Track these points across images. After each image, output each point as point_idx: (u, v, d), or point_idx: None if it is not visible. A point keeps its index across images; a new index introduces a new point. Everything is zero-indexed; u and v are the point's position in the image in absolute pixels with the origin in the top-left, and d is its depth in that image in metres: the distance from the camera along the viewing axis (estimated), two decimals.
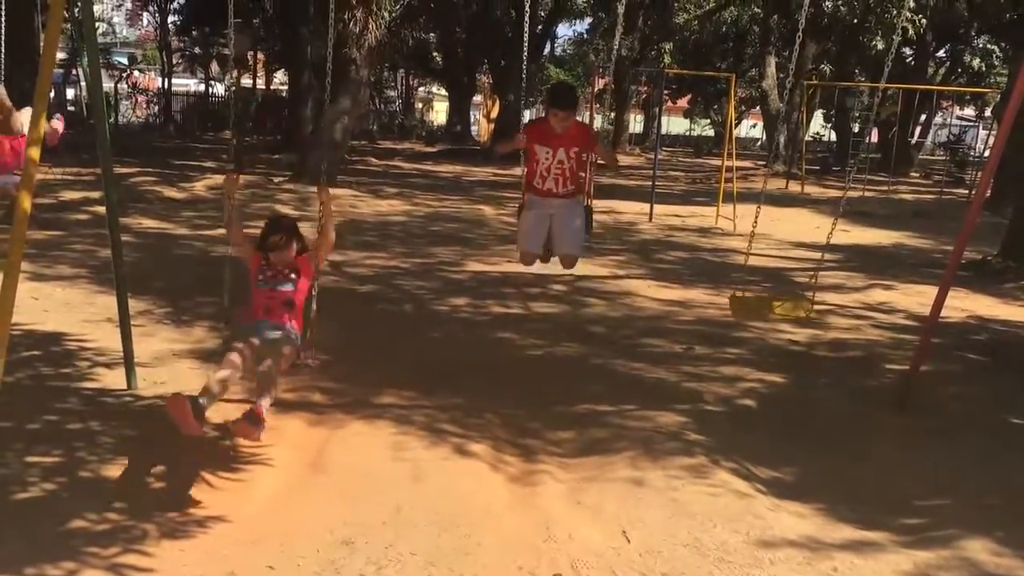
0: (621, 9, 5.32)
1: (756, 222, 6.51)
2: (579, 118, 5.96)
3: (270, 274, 4.76)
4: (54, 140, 7.79)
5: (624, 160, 32.09)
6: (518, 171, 6.00)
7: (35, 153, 3.77)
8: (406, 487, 4.33)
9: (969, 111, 41.86)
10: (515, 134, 5.68)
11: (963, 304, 9.07)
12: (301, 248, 4.85)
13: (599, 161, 6.04)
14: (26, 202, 3.70)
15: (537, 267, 6.02)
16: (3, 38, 8.59)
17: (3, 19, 8.24)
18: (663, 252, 12.14)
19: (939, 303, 5.82)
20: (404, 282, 9.27)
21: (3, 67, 9.29)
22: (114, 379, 5.50)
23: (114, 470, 4.30)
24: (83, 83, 19.58)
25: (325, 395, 5.62)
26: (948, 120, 39.54)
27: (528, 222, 5.68)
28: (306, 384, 5.80)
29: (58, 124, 8.11)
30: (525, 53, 5.21)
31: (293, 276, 4.78)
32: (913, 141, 32.21)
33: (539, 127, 5.56)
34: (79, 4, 4.83)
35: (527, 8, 5.56)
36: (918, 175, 29.67)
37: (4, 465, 4.24)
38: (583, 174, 5.65)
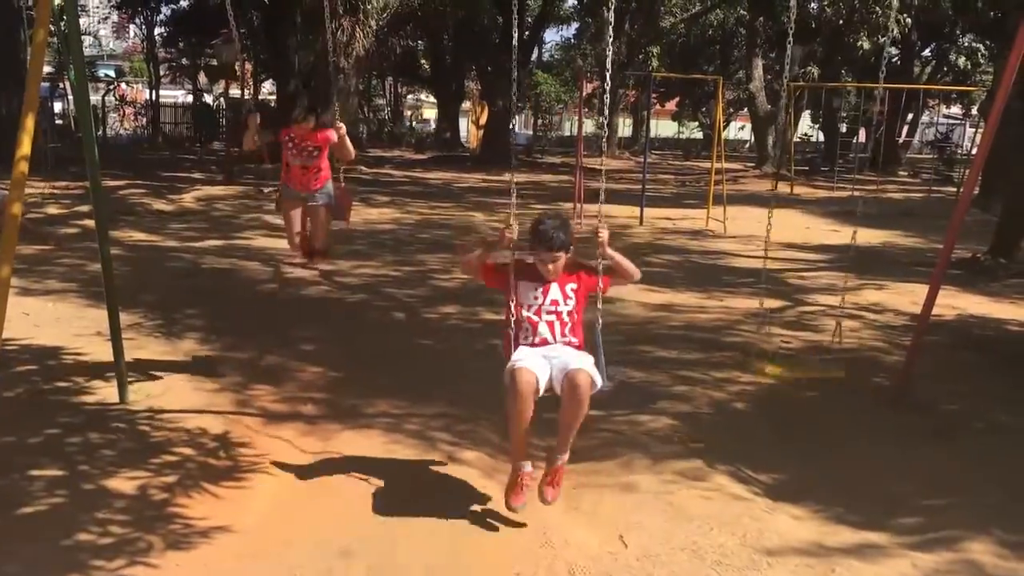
0: (611, 16, 4.99)
1: (770, 228, 6.34)
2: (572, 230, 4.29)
3: (295, 151, 5.98)
4: None
5: (613, 164, 32.15)
6: (508, 176, 5.43)
7: (23, 167, 3.76)
8: (401, 496, 4.31)
9: (956, 109, 42.07)
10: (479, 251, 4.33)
11: (954, 302, 9.09)
12: (319, 124, 6.02)
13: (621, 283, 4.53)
14: (16, 209, 3.68)
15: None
16: None
17: None
18: (654, 255, 12.15)
19: (930, 302, 5.83)
20: (394, 290, 9.25)
21: None
22: (108, 393, 5.48)
23: (115, 483, 4.29)
24: (70, 96, 19.55)
25: (317, 405, 5.61)
26: (935, 119, 39.76)
27: (522, 352, 4.05)
28: (297, 395, 5.78)
29: None
30: (515, 58, 5.03)
31: (315, 152, 6.03)
32: (901, 140, 32.34)
33: (523, 266, 4.20)
34: (64, 17, 4.82)
35: (515, 15, 5.51)
36: (906, 174, 29.79)
37: (7, 479, 4.21)
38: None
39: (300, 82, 23.52)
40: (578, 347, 4.14)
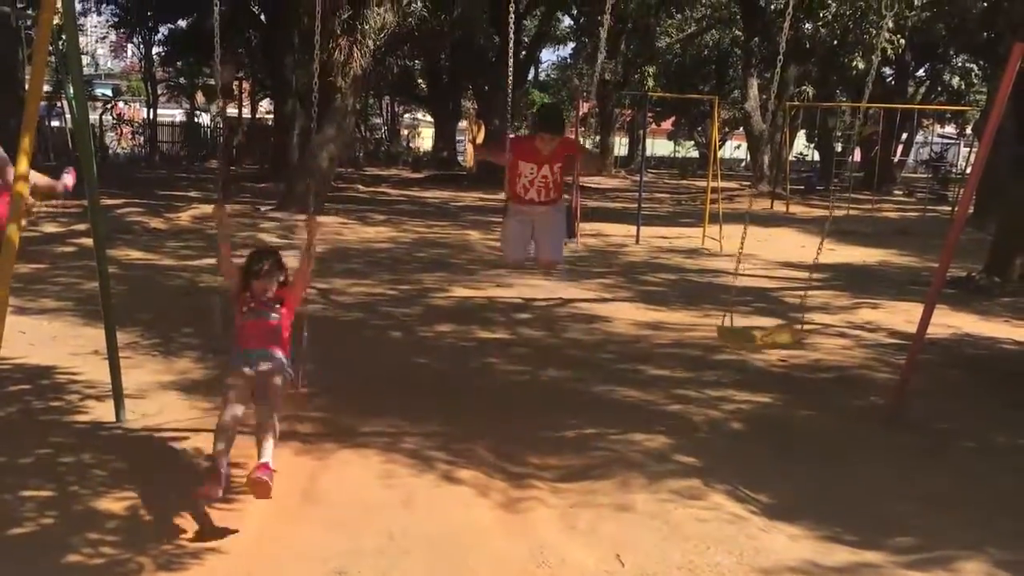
0: (603, 34, 5.35)
1: (744, 241, 6.48)
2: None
3: (253, 305, 4.70)
4: (68, 188, 7.55)
5: (610, 183, 32.27)
6: (504, 195, 6.03)
7: (23, 188, 3.77)
8: (397, 515, 4.30)
9: (950, 129, 42.29)
10: (500, 151, 5.87)
11: (949, 321, 9.11)
12: (284, 280, 4.82)
13: (588, 170, 6.44)
14: (14, 236, 3.69)
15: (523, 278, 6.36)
16: None
17: None
18: (650, 274, 12.17)
19: (925, 321, 5.85)
20: (390, 309, 9.26)
21: None
22: (103, 412, 5.47)
23: (107, 503, 4.27)
24: (68, 115, 19.59)
25: (312, 424, 5.59)
26: (929, 138, 39.96)
27: (510, 229, 6.02)
28: (293, 413, 5.76)
29: (69, 179, 7.84)
30: (510, 78, 5.26)
31: (277, 306, 4.74)
32: (895, 159, 32.49)
33: (525, 144, 5.84)
34: (63, 37, 4.84)
35: (511, 35, 5.62)
36: (901, 193, 29.91)
37: None
38: (568, 178, 6.04)
39: (297, 101, 23.62)
40: (556, 200, 5.90)
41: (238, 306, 4.72)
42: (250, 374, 4.46)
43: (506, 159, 5.78)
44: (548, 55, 59.03)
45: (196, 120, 36.02)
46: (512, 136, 5.94)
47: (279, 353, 4.65)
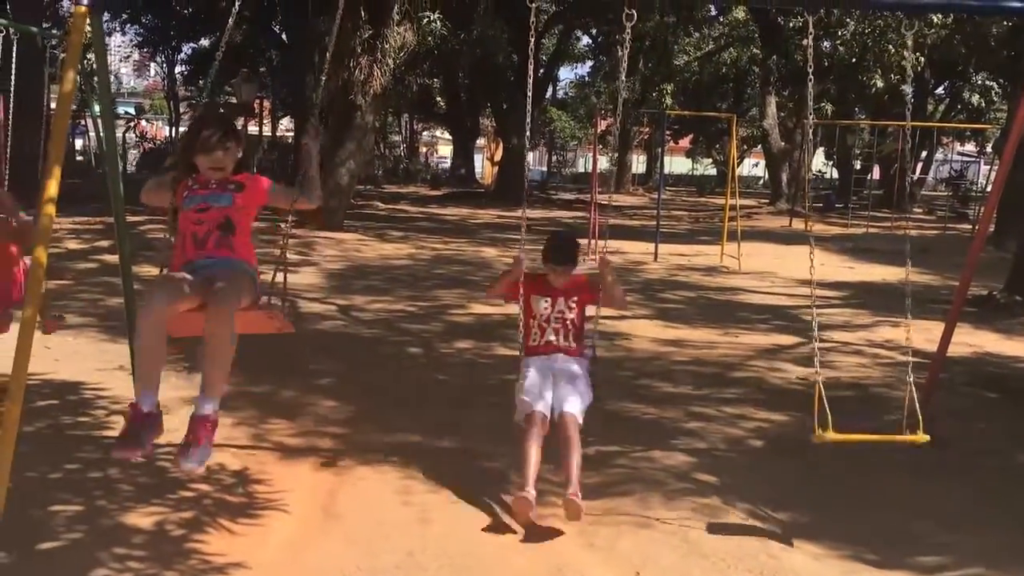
0: (625, 54, 5.07)
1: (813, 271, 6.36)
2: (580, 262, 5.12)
3: (196, 187, 3.73)
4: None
5: (628, 200, 32.31)
6: (519, 212, 5.65)
7: (51, 210, 3.83)
8: (416, 531, 4.32)
9: (970, 147, 42.11)
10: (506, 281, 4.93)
11: (970, 340, 9.06)
12: (244, 161, 3.91)
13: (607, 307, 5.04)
14: (42, 256, 3.75)
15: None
16: (12, 91, 8.73)
17: (13, 72, 8.37)
18: (668, 292, 12.17)
19: (946, 339, 5.84)
20: (409, 325, 9.30)
21: (11, 120, 9.44)
22: None
23: (134, 518, 4.32)
24: (91, 133, 19.84)
25: (332, 440, 5.63)
26: (949, 156, 39.79)
27: (528, 379, 4.71)
28: (312, 429, 5.81)
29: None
30: (529, 96, 5.07)
31: (231, 187, 3.76)
32: (915, 177, 32.38)
33: (535, 278, 4.89)
34: (88, 56, 4.94)
35: (531, 54, 5.52)
36: (921, 211, 29.77)
37: (27, 514, 4.25)
38: (588, 326, 5.01)
39: (318, 119, 23.81)
40: (576, 352, 4.91)
41: (179, 197, 3.78)
42: (192, 282, 3.55)
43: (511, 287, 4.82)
44: (566, 73, 59.20)
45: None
46: (525, 272, 4.75)
47: (237, 257, 3.79)
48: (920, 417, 4.37)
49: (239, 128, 3.96)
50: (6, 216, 5.37)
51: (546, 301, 4.87)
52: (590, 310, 4.99)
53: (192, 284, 3.56)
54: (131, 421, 3.45)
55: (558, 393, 4.64)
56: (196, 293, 3.54)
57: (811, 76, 4.54)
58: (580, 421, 4.54)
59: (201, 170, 3.79)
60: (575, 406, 4.56)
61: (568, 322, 4.89)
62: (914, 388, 4.57)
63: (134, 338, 3.72)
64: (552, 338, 4.87)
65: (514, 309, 4.85)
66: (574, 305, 4.92)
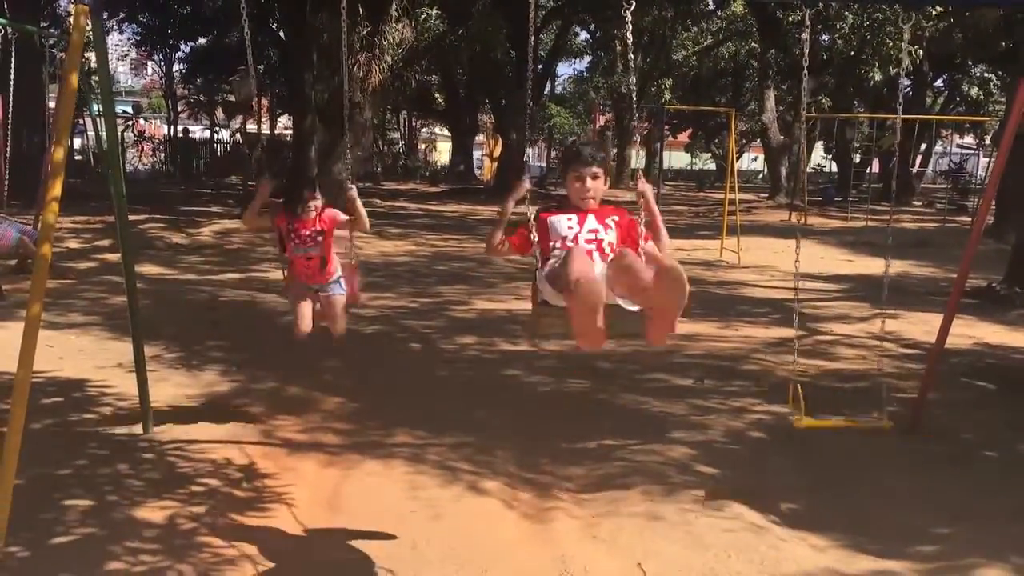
0: (630, 49, 4.85)
1: (798, 265, 6.26)
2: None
3: (297, 241, 5.02)
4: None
5: (626, 195, 32.26)
6: (522, 209, 5.11)
7: (54, 208, 3.86)
8: (422, 525, 4.36)
9: (969, 139, 42.10)
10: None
11: (970, 331, 9.09)
12: (323, 206, 5.06)
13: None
14: (46, 250, 3.79)
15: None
16: (11, 90, 8.76)
17: (12, 72, 8.40)
18: None
19: (944, 330, 5.86)
20: (412, 322, 9.33)
21: (10, 119, 9.47)
22: (133, 424, 5.57)
23: (143, 512, 4.36)
24: (90, 132, 19.84)
25: (338, 436, 5.67)
26: (948, 149, 39.79)
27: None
28: (319, 425, 5.85)
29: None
30: (529, 93, 4.97)
31: (319, 239, 5.01)
32: (914, 170, 32.37)
33: (551, 207, 3.73)
34: (87, 55, 4.96)
35: (531, 49, 5.47)
36: (920, 204, 29.78)
37: (39, 510, 4.29)
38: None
39: (316, 117, 23.80)
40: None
41: (284, 238, 5.04)
42: (310, 294, 5.12)
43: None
44: (564, 69, 59.12)
45: (190, 135, 36.29)
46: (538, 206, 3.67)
47: (333, 279, 5.14)
48: (884, 405, 4.34)
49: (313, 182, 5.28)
50: None
51: (570, 219, 3.55)
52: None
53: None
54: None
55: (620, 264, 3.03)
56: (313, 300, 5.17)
57: (806, 72, 4.56)
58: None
59: (300, 217, 5.00)
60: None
61: (605, 244, 3.48)
62: (886, 380, 4.51)
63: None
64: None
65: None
66: (612, 224, 3.56)
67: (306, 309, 5.07)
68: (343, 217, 5.06)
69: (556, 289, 3.11)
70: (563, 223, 3.52)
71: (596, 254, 3.38)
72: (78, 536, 4.11)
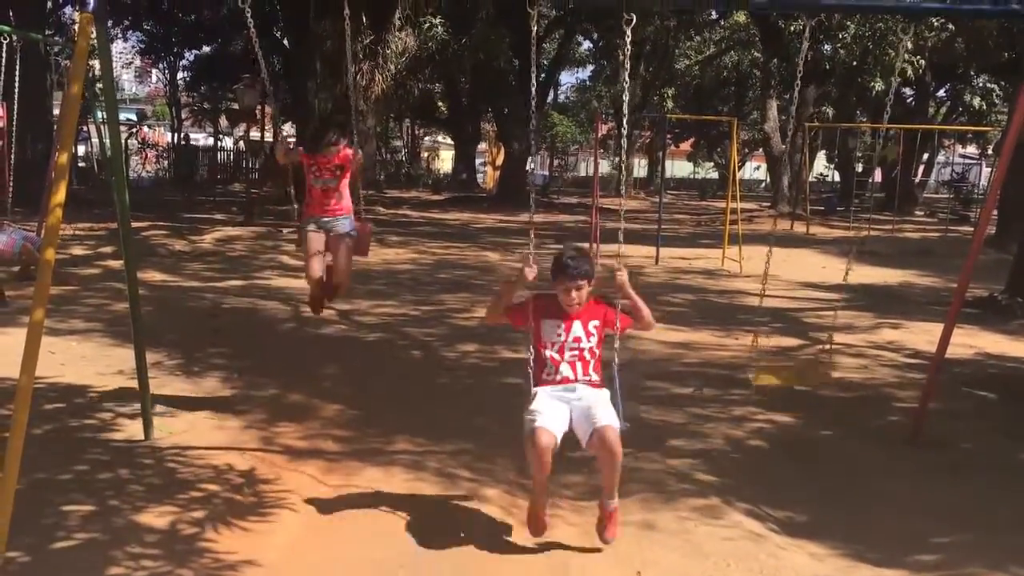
0: (625, 67, 4.91)
1: (768, 263, 6.43)
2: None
3: (317, 172, 5.65)
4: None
5: (629, 204, 32.32)
6: (524, 217, 5.92)
7: (58, 214, 3.88)
8: (422, 531, 4.36)
9: (972, 149, 42.12)
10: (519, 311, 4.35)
11: (971, 341, 9.10)
12: (348, 142, 5.67)
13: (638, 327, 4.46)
14: (49, 255, 3.81)
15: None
16: (16, 98, 8.81)
17: (16, 80, 8.44)
18: (670, 295, 12.21)
19: (945, 339, 5.87)
20: (413, 329, 9.34)
21: (15, 126, 9.51)
22: (134, 430, 5.58)
23: (145, 517, 4.37)
24: (94, 139, 19.87)
25: (338, 443, 5.68)
26: (951, 158, 39.81)
27: (542, 403, 4.11)
28: (319, 432, 5.86)
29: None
30: (533, 101, 5.03)
31: (338, 172, 5.67)
32: (916, 180, 32.40)
33: (543, 300, 4.28)
34: (91, 63, 4.99)
35: (533, 58, 5.47)
36: (923, 213, 29.80)
37: (41, 515, 4.30)
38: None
39: (319, 125, 23.88)
40: (598, 384, 4.24)
41: (307, 170, 5.67)
42: (322, 233, 5.77)
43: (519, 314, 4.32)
44: (567, 77, 59.28)
45: (190, 143, 36.35)
46: (535, 293, 4.31)
47: (345, 213, 5.84)
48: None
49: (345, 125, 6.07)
50: None
51: (559, 327, 4.17)
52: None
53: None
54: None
55: (584, 415, 4.02)
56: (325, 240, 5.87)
57: (799, 82, 4.59)
58: (618, 430, 3.95)
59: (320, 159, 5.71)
60: (610, 419, 3.97)
61: (586, 352, 4.20)
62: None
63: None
64: (568, 373, 4.18)
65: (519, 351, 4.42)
66: (594, 331, 4.22)
67: (317, 258, 5.75)
68: (360, 156, 5.78)
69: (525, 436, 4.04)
70: (552, 330, 4.21)
71: (578, 364, 4.21)
72: (79, 541, 4.12)
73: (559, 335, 4.19)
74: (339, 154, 5.64)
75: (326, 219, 5.79)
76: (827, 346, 6.44)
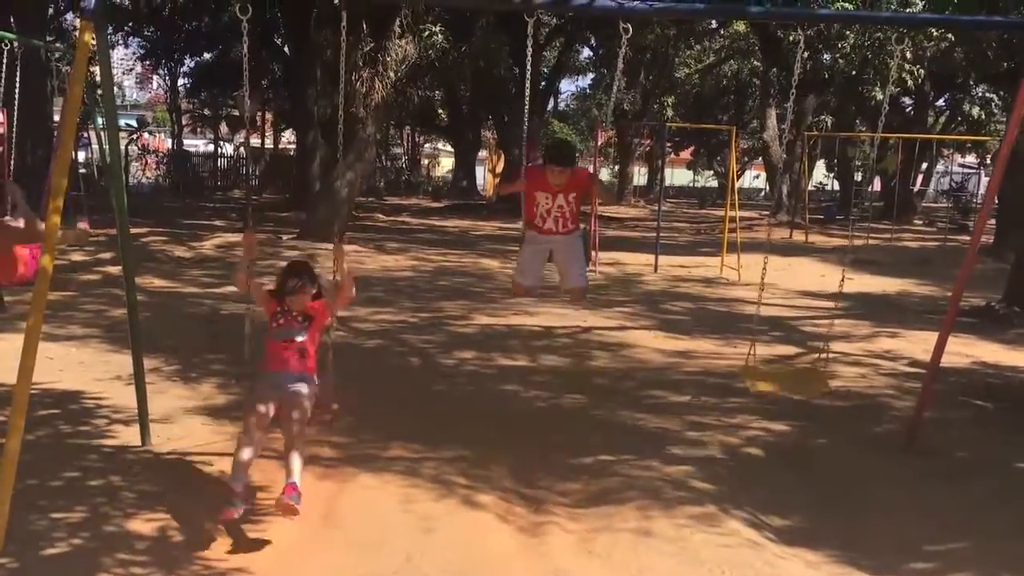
0: (619, 78, 5.28)
1: (765, 271, 6.44)
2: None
3: (283, 322, 4.82)
4: (84, 240, 7.90)
5: (628, 212, 32.38)
6: (521, 225, 6.06)
7: (55, 219, 3.89)
8: (416, 538, 4.37)
9: (971, 158, 42.18)
10: (516, 179, 6.08)
11: (968, 350, 9.11)
12: (317, 293, 4.92)
13: (600, 202, 6.36)
14: (47, 262, 3.81)
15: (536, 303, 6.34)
16: (16, 103, 8.81)
17: (17, 85, 8.45)
18: (669, 303, 12.22)
19: (940, 347, 5.88)
20: (411, 336, 9.35)
21: (15, 132, 9.51)
22: (130, 436, 5.58)
23: (136, 524, 4.37)
24: (94, 145, 19.91)
25: (334, 449, 5.67)
26: (949, 168, 39.87)
27: (526, 256, 6.02)
28: (315, 438, 5.84)
29: (84, 225, 8.29)
30: (527, 109, 5.37)
31: (305, 324, 4.84)
32: (915, 189, 32.44)
33: (539, 174, 5.79)
34: (91, 69, 5.01)
35: (529, 67, 5.60)
36: (921, 223, 29.83)
37: (31, 521, 4.30)
38: (586, 209, 6.00)
39: (319, 131, 23.92)
40: (574, 229, 5.89)
41: (269, 321, 4.89)
42: (277, 397, 4.60)
43: (521, 185, 5.88)
44: (567, 85, 59.28)
45: (184, 149, 36.46)
46: (529, 166, 5.95)
47: (307, 375, 4.80)
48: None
49: (314, 272, 4.97)
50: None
51: (547, 197, 5.71)
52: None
53: (275, 408, 4.61)
54: (232, 496, 4.21)
55: (561, 271, 5.97)
56: (278, 398, 4.63)
57: (794, 91, 4.62)
58: (585, 287, 6.16)
59: (287, 303, 4.86)
60: (580, 279, 6.04)
61: (566, 212, 5.76)
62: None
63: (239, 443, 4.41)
64: (551, 226, 5.79)
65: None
66: (572, 200, 5.75)
67: (262, 414, 4.50)
68: (333, 301, 5.03)
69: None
70: (542, 199, 5.76)
71: (559, 220, 5.78)
72: (69, 547, 4.12)
73: (547, 202, 5.74)
74: (311, 306, 4.88)
75: (284, 378, 4.71)
76: (824, 356, 6.44)
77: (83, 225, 8.12)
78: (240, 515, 4.19)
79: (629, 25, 3.94)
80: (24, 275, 6.61)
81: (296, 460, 4.34)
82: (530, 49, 4.84)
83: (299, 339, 4.81)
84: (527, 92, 4.90)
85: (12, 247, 6.27)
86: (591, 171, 5.95)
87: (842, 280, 5.89)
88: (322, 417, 4.98)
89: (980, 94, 30.73)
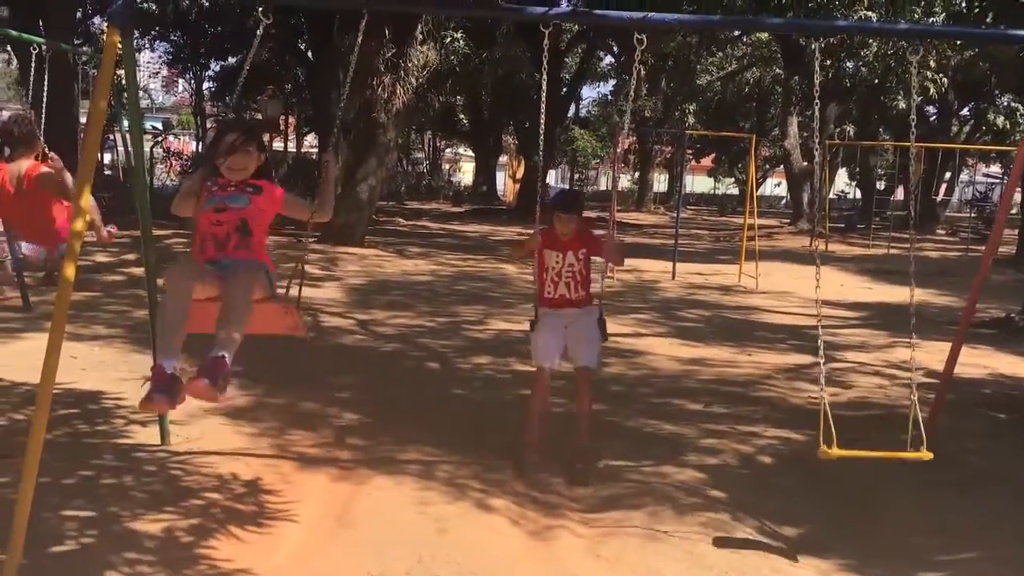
0: (633, 78, 5.26)
1: (819, 300, 6.44)
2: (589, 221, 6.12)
3: (216, 188, 3.85)
4: (109, 240, 8.01)
5: (648, 219, 32.38)
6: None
7: (79, 225, 3.96)
8: (428, 540, 4.42)
9: (995, 168, 41.85)
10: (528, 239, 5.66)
11: (986, 361, 9.07)
12: (265, 169, 4.05)
13: (609, 263, 5.99)
14: (70, 270, 3.88)
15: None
16: (44, 108, 8.95)
17: (45, 88, 8.59)
18: (685, 310, 12.23)
19: (954, 356, 5.88)
20: (428, 340, 9.42)
21: (43, 134, 9.65)
22: (148, 436, 5.66)
23: (145, 524, 4.42)
24: (119, 147, 20.14)
25: (350, 451, 5.74)
26: (973, 177, 39.59)
27: (544, 337, 5.52)
28: (331, 440, 5.93)
29: (112, 230, 8.43)
30: (542, 115, 5.21)
31: (248, 191, 3.88)
32: (938, 199, 32.25)
33: (548, 232, 5.55)
34: (117, 72, 5.09)
35: (544, 74, 5.50)
36: (944, 232, 29.64)
37: (40, 519, 4.37)
38: (594, 276, 5.68)
39: (341, 135, 24.09)
40: (587, 299, 5.59)
41: (199, 197, 3.95)
42: (213, 277, 3.74)
43: (535, 244, 5.49)
44: (589, 92, 59.33)
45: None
46: (541, 228, 5.51)
47: (254, 263, 3.87)
48: (924, 434, 4.36)
49: (262, 139, 4.14)
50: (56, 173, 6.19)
51: (557, 256, 5.46)
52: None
53: (212, 273, 3.79)
54: (156, 381, 3.57)
55: (572, 352, 5.51)
56: (215, 281, 3.78)
57: (817, 101, 4.63)
58: (593, 367, 5.60)
59: (223, 172, 3.95)
60: (591, 361, 5.52)
61: (577, 273, 5.48)
62: (918, 405, 4.53)
63: (159, 308, 3.76)
64: (564, 292, 5.51)
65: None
66: (582, 258, 5.50)
67: (194, 268, 3.70)
68: (299, 203, 4.29)
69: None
70: (552, 258, 5.51)
71: (571, 283, 5.52)
72: (77, 546, 4.16)
73: (557, 262, 5.48)
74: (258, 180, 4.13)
75: (218, 261, 4.04)
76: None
77: (111, 228, 8.22)
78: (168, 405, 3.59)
79: (644, 36, 3.99)
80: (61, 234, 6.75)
81: (225, 344, 3.63)
82: (546, 59, 4.84)
83: (238, 206, 3.80)
84: (543, 101, 4.88)
85: (50, 204, 6.49)
86: (609, 235, 5.59)
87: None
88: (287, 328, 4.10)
89: (1005, 104, 30.52)
